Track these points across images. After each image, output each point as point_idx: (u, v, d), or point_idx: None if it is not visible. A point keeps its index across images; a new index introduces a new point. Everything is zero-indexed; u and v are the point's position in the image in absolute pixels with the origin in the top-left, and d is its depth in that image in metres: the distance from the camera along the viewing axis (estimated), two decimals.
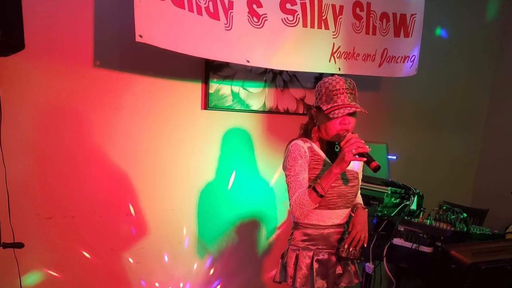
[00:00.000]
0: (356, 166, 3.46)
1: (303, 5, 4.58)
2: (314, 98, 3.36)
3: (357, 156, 3.07)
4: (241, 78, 4.90)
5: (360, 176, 3.55)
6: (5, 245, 3.43)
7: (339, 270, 3.48)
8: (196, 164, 4.89)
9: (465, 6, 6.38)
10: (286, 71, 5.10)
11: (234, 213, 5.17)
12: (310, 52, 4.70)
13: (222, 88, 4.81)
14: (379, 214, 4.41)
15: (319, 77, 5.15)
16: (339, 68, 4.85)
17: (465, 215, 4.23)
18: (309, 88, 5.24)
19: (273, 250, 5.43)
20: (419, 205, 4.48)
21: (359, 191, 3.60)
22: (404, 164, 5.79)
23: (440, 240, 4.03)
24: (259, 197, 5.28)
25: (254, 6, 4.35)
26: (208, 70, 4.74)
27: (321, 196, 3.16)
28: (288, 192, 3.33)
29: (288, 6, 4.50)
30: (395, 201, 4.43)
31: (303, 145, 3.30)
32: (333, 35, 4.76)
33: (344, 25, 4.85)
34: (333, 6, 4.74)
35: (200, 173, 4.94)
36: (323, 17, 4.70)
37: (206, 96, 4.78)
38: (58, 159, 4.31)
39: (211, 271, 5.19)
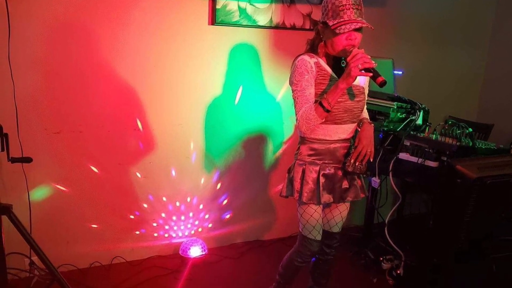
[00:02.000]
0: (362, 81, 3.46)
1: None
2: (320, 14, 3.34)
3: (363, 71, 3.06)
4: None
5: (366, 91, 3.55)
6: (14, 160, 3.44)
7: (345, 184, 3.52)
8: (203, 79, 4.89)
9: None
10: None
11: (241, 128, 5.21)
12: None
13: (229, 4, 4.76)
14: (385, 129, 4.43)
15: None
16: None
17: (470, 129, 4.24)
18: (316, 3, 5.17)
19: (279, 165, 5.49)
20: (424, 120, 4.49)
21: (365, 106, 3.61)
22: (410, 79, 5.77)
23: (446, 155, 4.06)
24: (266, 112, 5.29)
25: None
26: None
27: (328, 111, 3.17)
28: (295, 107, 3.34)
29: None
30: (401, 116, 4.45)
31: (310, 60, 3.29)
32: None
33: None
34: None
35: (207, 88, 4.94)
36: None
37: (213, 11, 4.73)
38: (66, 74, 4.32)
39: (218, 186, 5.26)
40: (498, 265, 3.86)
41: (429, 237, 4.43)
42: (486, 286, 3.94)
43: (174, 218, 5.12)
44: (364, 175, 3.63)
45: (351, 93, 3.33)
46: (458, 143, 4.10)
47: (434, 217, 4.39)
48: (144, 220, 4.99)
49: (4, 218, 3.32)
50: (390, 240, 4.59)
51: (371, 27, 3.17)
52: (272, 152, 5.44)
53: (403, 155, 4.35)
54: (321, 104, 3.16)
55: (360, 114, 3.48)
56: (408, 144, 4.34)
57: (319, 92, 3.27)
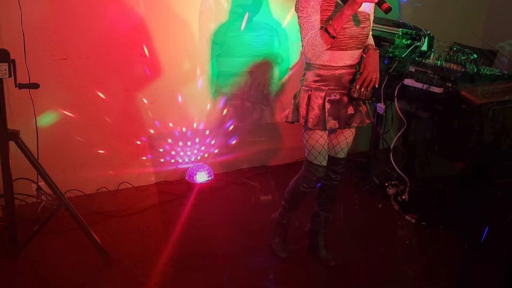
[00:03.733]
0: (367, 7, 3.44)
1: None
2: None
3: None
4: None
5: (372, 18, 3.53)
6: (21, 86, 3.46)
7: (350, 110, 3.53)
8: (209, 5, 4.86)
9: None
10: None
11: (247, 53, 5.19)
12: None
13: None
14: (390, 55, 4.44)
15: None
16: None
17: (475, 56, 4.25)
18: None
19: (285, 91, 5.50)
20: (429, 46, 4.49)
21: (371, 33, 3.60)
22: (415, 5, 5.74)
23: (451, 81, 4.07)
24: (272, 38, 5.27)
25: None
26: None
27: (333, 37, 3.18)
28: (301, 33, 3.33)
29: None
30: (406, 42, 4.45)
31: None
32: None
33: None
34: None
35: (213, 14, 4.91)
36: None
37: None
38: (73, 0, 4.31)
39: (224, 112, 5.29)
40: (502, 190, 3.91)
41: (434, 163, 4.48)
42: (491, 211, 4.00)
43: (180, 143, 5.17)
44: (369, 101, 3.65)
45: (357, 20, 3.33)
46: (463, 69, 4.11)
47: (439, 143, 4.44)
48: (150, 146, 5.04)
49: (12, 144, 3.38)
50: (395, 166, 4.64)
51: None
52: (278, 78, 5.45)
53: (408, 81, 4.36)
54: (326, 30, 3.17)
55: (365, 41, 3.48)
56: (413, 70, 4.35)
57: (325, 19, 3.26)
